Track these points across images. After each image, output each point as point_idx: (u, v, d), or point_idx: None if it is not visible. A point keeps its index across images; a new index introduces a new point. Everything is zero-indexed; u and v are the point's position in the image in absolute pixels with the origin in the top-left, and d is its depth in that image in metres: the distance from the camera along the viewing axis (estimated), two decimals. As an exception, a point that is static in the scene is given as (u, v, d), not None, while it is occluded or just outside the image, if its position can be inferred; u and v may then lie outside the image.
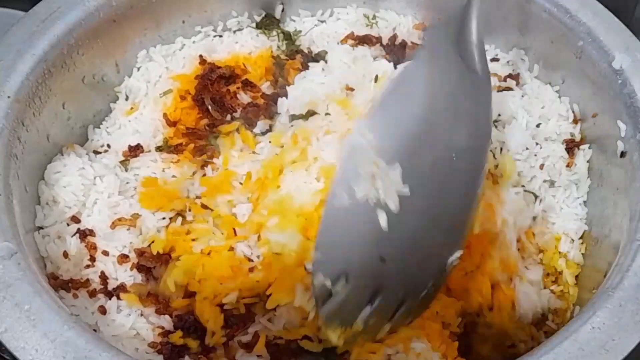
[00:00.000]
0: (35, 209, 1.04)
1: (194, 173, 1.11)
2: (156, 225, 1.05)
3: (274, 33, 1.32)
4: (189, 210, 1.06)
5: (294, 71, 1.24)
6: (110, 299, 0.99)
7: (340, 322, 0.90)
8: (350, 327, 0.90)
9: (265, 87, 1.23)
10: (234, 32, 1.32)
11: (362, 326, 0.90)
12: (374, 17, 1.36)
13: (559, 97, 1.22)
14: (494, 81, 1.22)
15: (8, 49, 1.04)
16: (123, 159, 1.14)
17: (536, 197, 1.13)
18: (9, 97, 1.00)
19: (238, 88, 1.21)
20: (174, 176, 1.10)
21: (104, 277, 1.01)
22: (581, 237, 1.13)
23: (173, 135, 1.17)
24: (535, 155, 1.15)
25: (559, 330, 0.85)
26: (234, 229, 1.03)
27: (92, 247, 1.02)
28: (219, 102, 1.18)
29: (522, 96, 1.20)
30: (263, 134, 1.16)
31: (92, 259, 1.02)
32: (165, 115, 1.18)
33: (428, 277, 0.93)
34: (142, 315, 0.97)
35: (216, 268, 0.99)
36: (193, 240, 1.02)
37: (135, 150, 1.15)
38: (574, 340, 0.82)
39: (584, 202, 1.15)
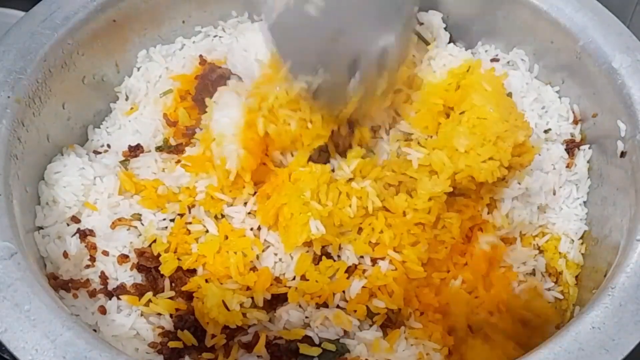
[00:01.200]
0: (35, 209, 1.04)
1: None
2: (156, 226, 1.05)
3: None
4: (189, 211, 1.06)
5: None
6: (110, 299, 0.98)
7: (339, 102, 1.00)
8: (349, 100, 1.00)
9: (265, 86, 1.23)
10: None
11: (358, 93, 0.99)
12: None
13: (559, 97, 1.22)
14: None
15: (8, 49, 1.04)
16: (123, 159, 1.14)
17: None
18: (8, 97, 1.00)
19: (238, 88, 1.21)
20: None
21: (104, 277, 1.01)
22: (581, 237, 1.13)
23: (173, 135, 1.17)
24: (539, 169, 1.13)
25: (559, 330, 0.85)
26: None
27: (92, 247, 1.02)
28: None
29: (535, 99, 1.19)
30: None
31: (92, 259, 1.02)
32: (165, 115, 1.18)
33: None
34: (142, 315, 0.97)
35: (216, 269, 0.99)
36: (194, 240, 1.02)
37: (135, 150, 1.15)
38: (574, 340, 0.82)
39: (584, 202, 1.15)
